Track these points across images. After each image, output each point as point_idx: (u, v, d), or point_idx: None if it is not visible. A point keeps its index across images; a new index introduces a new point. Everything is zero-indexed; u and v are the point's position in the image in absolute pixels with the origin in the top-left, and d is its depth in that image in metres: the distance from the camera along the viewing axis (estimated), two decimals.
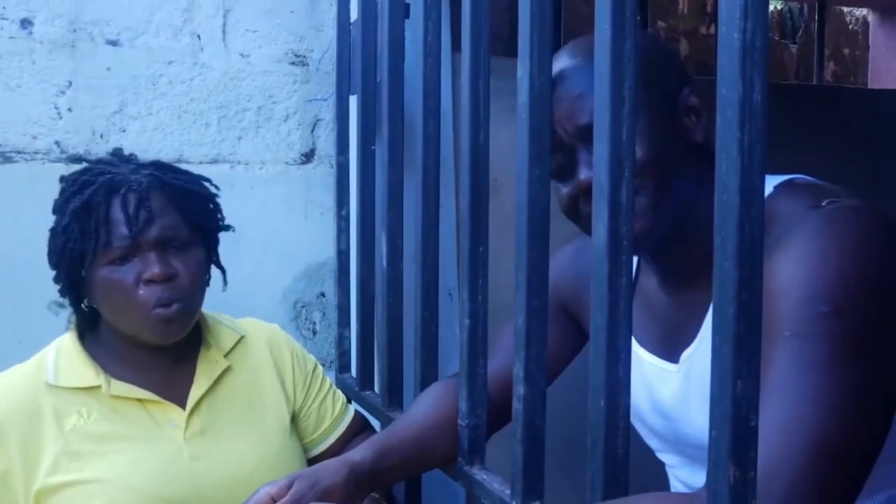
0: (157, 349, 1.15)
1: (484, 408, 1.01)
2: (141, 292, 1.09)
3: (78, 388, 1.12)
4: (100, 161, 1.19)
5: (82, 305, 1.15)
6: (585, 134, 0.87)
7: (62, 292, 1.15)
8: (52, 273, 1.15)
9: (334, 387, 1.36)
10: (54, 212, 1.14)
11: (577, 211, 0.91)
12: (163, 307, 1.10)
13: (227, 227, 1.23)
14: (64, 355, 1.15)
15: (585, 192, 0.88)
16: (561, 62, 0.91)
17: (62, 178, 1.16)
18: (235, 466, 1.14)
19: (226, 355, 1.22)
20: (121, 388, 1.13)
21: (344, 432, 1.31)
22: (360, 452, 1.00)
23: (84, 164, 1.19)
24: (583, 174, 0.88)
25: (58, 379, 1.12)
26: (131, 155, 1.20)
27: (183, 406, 1.15)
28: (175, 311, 1.11)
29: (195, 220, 1.16)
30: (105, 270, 1.09)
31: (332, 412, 1.31)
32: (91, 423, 1.10)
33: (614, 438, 0.75)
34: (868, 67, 3.58)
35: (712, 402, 0.61)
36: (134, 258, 1.10)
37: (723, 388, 0.60)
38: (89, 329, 1.18)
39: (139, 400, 1.13)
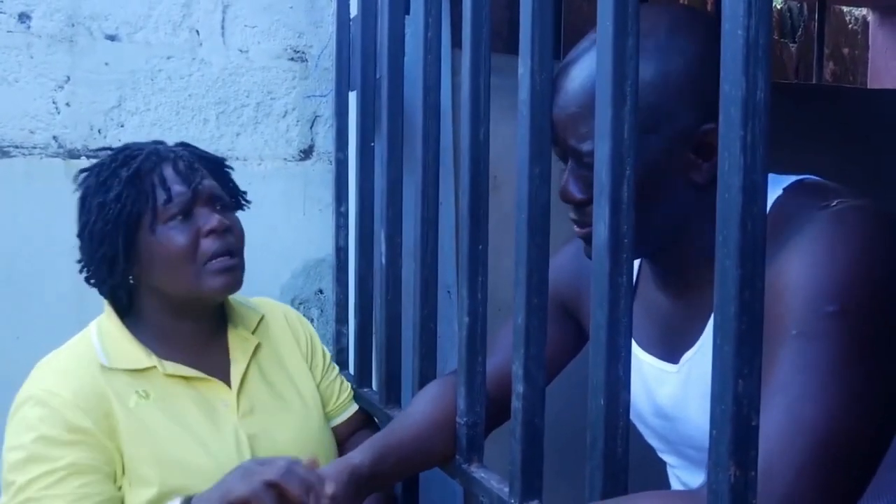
0: (197, 323, 1.18)
1: (482, 406, 1.01)
2: (202, 244, 1.12)
3: (132, 371, 1.12)
4: (130, 144, 1.21)
5: (129, 279, 1.14)
6: (574, 155, 0.86)
7: (108, 269, 1.13)
8: (80, 259, 1.16)
9: (342, 377, 1.38)
10: (95, 191, 1.14)
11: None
12: (225, 256, 1.13)
13: (247, 201, 1.28)
14: (108, 338, 1.14)
15: (568, 202, 0.89)
16: (571, 60, 0.88)
17: (85, 170, 1.17)
18: (285, 444, 1.17)
19: (252, 333, 1.25)
20: (173, 367, 1.14)
21: (344, 422, 1.33)
22: (359, 455, 1.00)
23: (109, 150, 1.21)
24: (566, 187, 0.88)
25: (111, 361, 1.12)
26: (157, 141, 1.24)
27: (228, 384, 1.17)
28: (236, 261, 1.15)
29: (228, 188, 1.23)
30: (163, 229, 1.11)
31: (336, 399, 1.33)
32: (151, 402, 1.11)
33: (614, 437, 0.75)
34: (867, 67, 3.58)
35: (713, 401, 0.61)
36: (190, 215, 1.13)
37: (724, 388, 0.60)
38: (125, 310, 1.18)
39: (187, 379, 1.15)
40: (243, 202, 1.28)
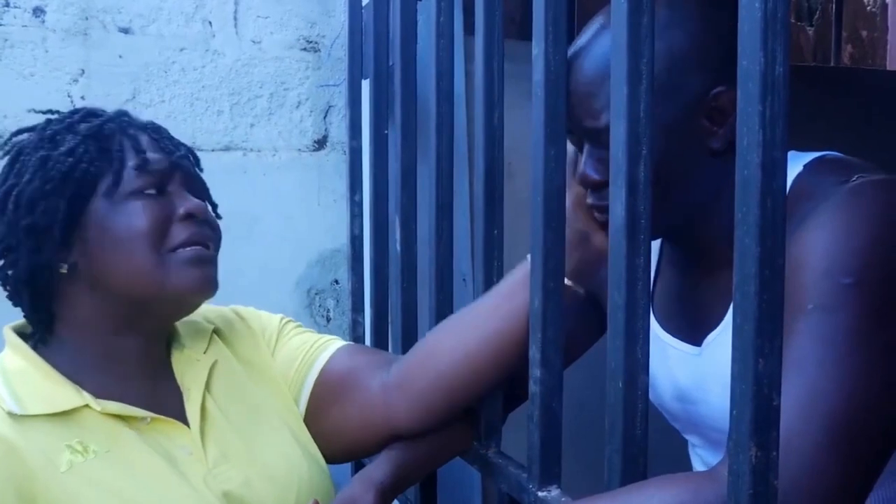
0: (146, 342, 0.92)
1: (500, 392, 1.01)
2: (173, 229, 0.88)
3: (56, 416, 0.84)
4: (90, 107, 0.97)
5: (61, 266, 0.87)
6: (590, 135, 0.86)
7: (35, 246, 0.86)
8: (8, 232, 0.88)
9: (301, 329, 1.10)
10: (36, 147, 0.89)
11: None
12: (201, 246, 0.89)
13: (214, 206, 1.01)
14: (17, 376, 0.86)
15: (586, 186, 0.88)
16: (584, 39, 0.88)
17: (21, 130, 0.93)
18: (270, 495, 0.92)
19: (204, 353, 0.99)
20: (112, 406, 0.87)
21: (322, 370, 1.02)
22: (380, 469, 0.97)
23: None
24: (583, 170, 0.88)
25: (24, 406, 0.83)
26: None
27: (185, 423, 0.91)
28: (212, 254, 0.91)
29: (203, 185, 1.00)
30: (124, 203, 0.87)
31: (300, 361, 1.03)
32: (92, 459, 0.83)
33: (633, 420, 0.74)
34: (887, 49, 3.53)
35: (733, 380, 0.60)
36: (163, 193, 0.90)
37: (744, 367, 0.59)
38: (42, 331, 0.90)
39: (130, 421, 0.88)
40: (210, 205, 0.99)
